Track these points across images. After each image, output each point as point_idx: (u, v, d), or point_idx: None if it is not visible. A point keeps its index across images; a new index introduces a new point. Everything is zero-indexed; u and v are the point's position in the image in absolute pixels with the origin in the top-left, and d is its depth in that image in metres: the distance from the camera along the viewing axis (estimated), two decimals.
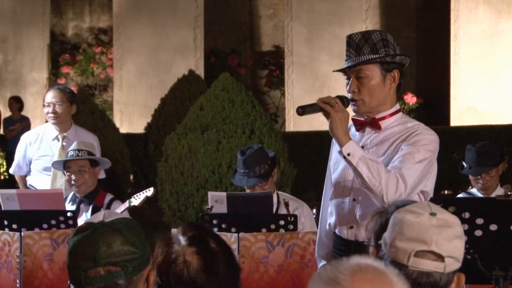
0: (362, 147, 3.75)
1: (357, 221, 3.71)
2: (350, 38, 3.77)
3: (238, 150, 5.99)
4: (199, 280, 2.52)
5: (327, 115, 3.63)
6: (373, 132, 3.77)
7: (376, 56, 3.72)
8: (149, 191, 5.80)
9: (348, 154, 3.56)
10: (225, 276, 2.56)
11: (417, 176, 3.61)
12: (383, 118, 3.76)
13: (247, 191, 5.76)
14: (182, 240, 2.56)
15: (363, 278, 1.69)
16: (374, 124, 3.77)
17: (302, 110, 3.64)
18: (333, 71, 3.85)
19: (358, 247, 3.68)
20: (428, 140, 3.69)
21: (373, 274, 1.70)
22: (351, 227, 3.72)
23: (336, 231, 3.79)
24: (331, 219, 3.83)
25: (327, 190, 4.00)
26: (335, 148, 3.87)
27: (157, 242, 2.64)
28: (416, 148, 3.65)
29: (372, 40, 3.74)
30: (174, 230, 2.76)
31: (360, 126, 3.81)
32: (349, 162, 3.57)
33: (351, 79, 3.74)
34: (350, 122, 3.89)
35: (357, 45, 3.73)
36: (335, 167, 3.87)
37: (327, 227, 3.88)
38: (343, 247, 3.74)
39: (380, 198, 3.53)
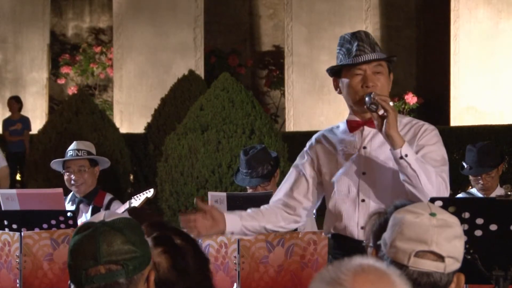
0: (364, 147, 3.74)
1: None
2: (358, 34, 3.75)
3: (240, 150, 5.99)
4: (170, 278, 2.53)
5: (376, 114, 3.57)
6: (372, 133, 3.76)
7: (388, 55, 3.78)
8: (150, 192, 5.79)
9: (406, 155, 3.54)
10: (195, 269, 2.57)
11: (448, 175, 3.73)
12: None
13: (249, 191, 5.76)
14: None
15: (365, 279, 1.69)
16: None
17: (376, 107, 3.55)
18: (361, 62, 3.68)
19: None
20: (437, 136, 3.76)
21: (375, 275, 1.70)
22: (363, 228, 3.71)
23: (346, 233, 3.76)
24: (336, 223, 3.79)
25: (292, 183, 3.90)
26: (325, 151, 3.82)
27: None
28: (435, 146, 3.71)
29: (374, 40, 3.76)
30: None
31: (356, 127, 3.79)
32: (406, 163, 3.54)
33: (366, 73, 3.70)
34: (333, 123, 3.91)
35: (368, 41, 3.73)
36: (333, 170, 3.80)
37: (331, 228, 3.84)
38: (352, 248, 3.71)
39: (425, 200, 3.54)
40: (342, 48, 3.76)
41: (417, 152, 3.68)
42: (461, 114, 15.56)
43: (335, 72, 3.81)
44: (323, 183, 3.87)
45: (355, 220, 3.73)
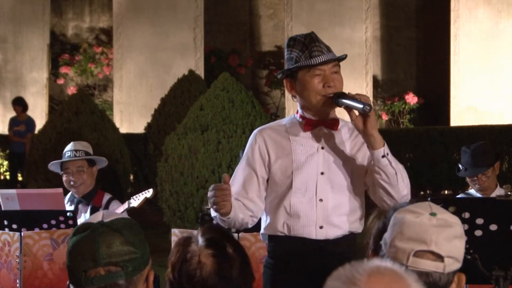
0: (322, 148, 3.73)
1: (327, 220, 3.69)
2: (313, 35, 3.76)
3: (240, 150, 5.98)
4: (210, 282, 2.52)
5: (354, 114, 3.57)
6: (330, 133, 3.74)
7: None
8: (148, 193, 5.78)
9: (387, 154, 3.58)
10: (237, 283, 2.56)
11: None
12: (336, 119, 3.77)
13: None
14: (201, 241, 2.57)
15: (379, 281, 1.68)
16: (335, 124, 3.75)
17: (370, 107, 3.51)
18: (323, 62, 3.68)
19: (328, 245, 3.68)
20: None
21: (390, 277, 1.70)
22: (321, 227, 3.70)
23: (303, 233, 3.71)
24: (292, 222, 3.73)
25: (244, 179, 3.80)
26: (276, 148, 3.77)
27: (176, 240, 2.65)
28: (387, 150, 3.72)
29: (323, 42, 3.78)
30: (194, 231, 2.76)
31: (313, 126, 3.76)
32: (387, 161, 3.57)
33: (325, 73, 3.68)
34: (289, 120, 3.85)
35: (322, 42, 3.74)
36: (287, 168, 3.74)
37: (282, 228, 3.75)
38: (310, 248, 3.69)
39: (399, 198, 3.56)
40: (294, 50, 3.73)
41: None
42: (461, 114, 15.56)
43: (288, 74, 3.77)
44: (272, 181, 3.79)
45: (314, 220, 3.70)
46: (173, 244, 5.21)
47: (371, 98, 16.69)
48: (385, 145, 3.59)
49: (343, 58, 3.78)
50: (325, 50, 3.70)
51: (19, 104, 14.88)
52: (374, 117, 3.56)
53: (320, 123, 3.74)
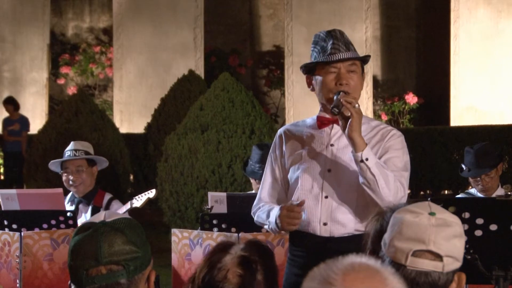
0: (332, 145, 3.76)
1: (331, 217, 3.70)
2: (334, 32, 3.78)
3: (240, 150, 5.99)
4: None
5: (342, 115, 3.59)
6: (341, 131, 3.75)
7: (363, 55, 3.82)
8: (151, 193, 5.78)
9: (366, 159, 3.56)
10: None
11: (408, 181, 3.74)
12: (349, 117, 3.78)
13: (257, 186, 5.76)
14: (236, 253, 2.57)
15: (355, 278, 1.67)
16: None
17: (338, 110, 3.58)
18: (338, 59, 3.71)
19: (333, 243, 3.69)
20: (403, 143, 3.77)
21: (365, 273, 1.69)
22: (325, 224, 3.71)
23: (309, 229, 3.75)
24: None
25: (270, 187, 3.94)
26: (291, 145, 3.84)
27: (219, 240, 2.66)
28: (399, 152, 3.73)
29: (348, 39, 3.79)
30: (238, 240, 2.77)
31: (325, 124, 3.80)
32: (366, 167, 3.56)
33: (340, 71, 3.72)
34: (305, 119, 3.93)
35: (343, 40, 3.75)
36: (297, 164, 3.81)
37: None
38: (315, 245, 3.72)
39: (384, 203, 3.55)
40: (317, 46, 3.79)
41: (382, 155, 3.71)
42: (461, 114, 15.56)
43: (309, 70, 3.84)
44: (288, 176, 3.88)
45: (317, 216, 3.72)
46: (173, 244, 5.21)
47: (371, 98, 16.64)
48: (366, 150, 3.58)
49: (360, 58, 3.80)
50: (343, 48, 3.72)
51: (10, 103, 14.83)
52: (356, 121, 3.57)
53: (333, 120, 3.76)
